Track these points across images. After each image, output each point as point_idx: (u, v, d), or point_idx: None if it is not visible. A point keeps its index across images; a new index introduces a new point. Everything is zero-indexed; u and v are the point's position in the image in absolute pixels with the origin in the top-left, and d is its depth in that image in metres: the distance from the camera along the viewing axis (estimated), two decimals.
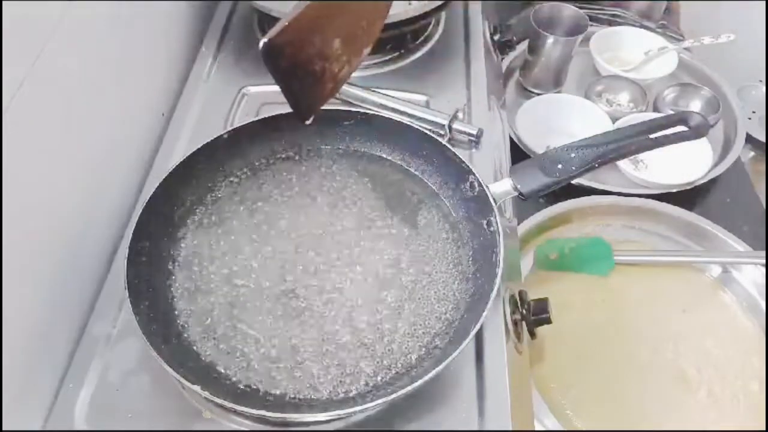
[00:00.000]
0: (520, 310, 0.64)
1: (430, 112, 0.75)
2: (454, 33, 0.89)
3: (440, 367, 0.49)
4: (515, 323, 0.63)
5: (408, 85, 0.81)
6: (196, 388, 0.49)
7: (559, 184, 0.61)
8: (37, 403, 0.55)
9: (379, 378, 0.54)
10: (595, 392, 0.78)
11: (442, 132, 0.73)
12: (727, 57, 1.17)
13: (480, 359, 0.57)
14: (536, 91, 1.13)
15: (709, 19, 1.34)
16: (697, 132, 0.64)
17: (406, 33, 0.84)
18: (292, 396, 0.53)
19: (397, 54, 0.85)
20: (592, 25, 1.12)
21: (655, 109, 1.09)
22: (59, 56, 0.56)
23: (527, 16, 1.09)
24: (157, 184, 0.61)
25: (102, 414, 0.55)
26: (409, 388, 0.49)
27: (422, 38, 0.88)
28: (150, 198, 0.60)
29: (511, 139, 0.96)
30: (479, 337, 0.58)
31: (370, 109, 0.73)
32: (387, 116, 0.70)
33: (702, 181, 0.96)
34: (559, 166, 0.61)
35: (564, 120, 1.05)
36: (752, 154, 1.34)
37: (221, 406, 0.53)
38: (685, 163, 0.97)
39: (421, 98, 0.79)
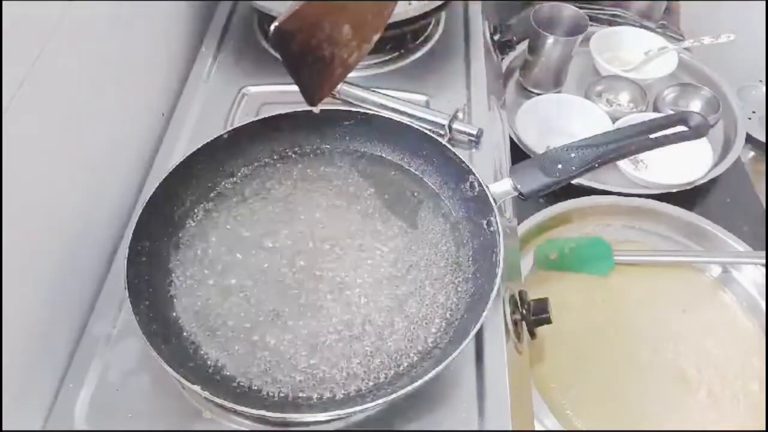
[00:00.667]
0: (520, 310, 0.64)
1: (430, 112, 0.75)
2: (454, 33, 0.89)
3: (440, 367, 0.49)
4: (515, 323, 0.63)
5: (408, 85, 0.81)
6: (196, 388, 0.49)
7: (559, 184, 0.61)
8: (37, 403, 0.55)
9: (379, 378, 0.54)
10: (595, 392, 0.78)
11: (442, 132, 0.73)
12: (727, 57, 1.17)
13: (480, 359, 0.57)
14: (536, 91, 1.13)
15: (709, 19, 1.34)
16: (697, 132, 0.64)
17: (406, 33, 0.84)
18: (292, 396, 0.53)
19: (397, 54, 0.85)
20: (592, 25, 1.12)
21: (655, 109, 1.09)
22: (59, 56, 0.56)
23: (527, 16, 1.09)
24: (157, 184, 0.61)
25: (102, 414, 0.55)
26: (409, 388, 0.49)
27: (422, 38, 0.88)
28: (150, 198, 0.60)
29: (511, 139, 0.96)
30: (479, 337, 0.58)
31: (370, 109, 0.73)
32: (387, 116, 0.70)
33: (702, 181, 0.96)
34: (559, 166, 0.61)
35: (564, 120, 1.05)
36: (752, 154, 1.34)
37: (221, 406, 0.53)
38: (685, 163, 0.97)
39: (421, 98, 0.79)
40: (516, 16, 1.23)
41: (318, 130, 0.70)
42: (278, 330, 0.57)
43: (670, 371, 0.80)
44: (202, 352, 0.56)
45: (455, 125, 0.73)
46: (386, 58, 0.85)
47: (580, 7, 1.11)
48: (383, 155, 0.70)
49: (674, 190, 0.95)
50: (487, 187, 0.61)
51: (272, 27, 0.43)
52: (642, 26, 1.23)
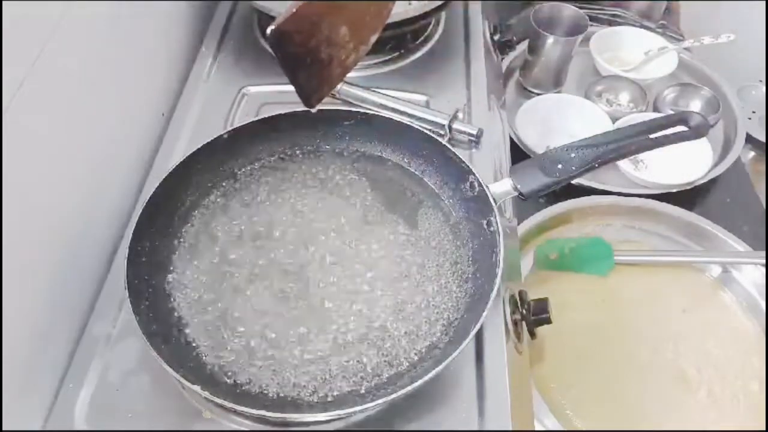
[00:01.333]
0: (520, 310, 0.64)
1: (430, 112, 0.75)
2: (454, 33, 0.89)
3: (440, 367, 0.49)
4: (515, 323, 0.63)
5: (408, 85, 0.81)
6: (196, 388, 0.49)
7: (559, 184, 0.61)
8: (37, 403, 0.55)
9: (379, 378, 0.54)
10: (595, 392, 0.78)
11: (442, 132, 0.73)
12: (727, 57, 1.17)
13: (480, 359, 0.57)
14: (536, 91, 1.13)
15: (709, 19, 1.34)
16: (697, 132, 0.64)
17: (406, 33, 0.84)
18: (292, 396, 0.53)
19: (397, 54, 0.85)
20: (592, 25, 1.12)
21: (655, 109, 1.09)
22: (59, 56, 0.56)
23: (527, 16, 1.09)
24: (157, 184, 0.61)
25: (102, 414, 0.55)
26: (409, 388, 0.49)
27: (422, 38, 0.88)
28: (150, 198, 0.60)
29: (511, 139, 0.96)
30: (479, 337, 0.58)
31: (370, 109, 0.73)
32: (387, 116, 0.70)
33: (702, 181, 0.96)
34: (559, 166, 0.61)
35: (564, 120, 1.05)
36: (752, 154, 1.34)
37: (221, 406, 0.53)
38: (685, 163, 0.97)
39: (421, 98, 0.79)
40: (516, 16, 1.23)
41: (318, 130, 0.70)
42: (278, 330, 0.57)
43: (670, 371, 0.80)
44: (202, 352, 0.56)
45: (455, 125, 0.73)
46: (386, 58, 0.85)
47: (580, 7, 1.11)
48: (383, 155, 0.70)
49: (674, 190, 0.95)
50: (487, 187, 0.61)
51: (269, 29, 0.43)
52: (642, 26, 1.23)
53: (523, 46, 1.13)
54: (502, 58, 1.12)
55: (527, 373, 0.66)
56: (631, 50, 1.18)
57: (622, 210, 0.94)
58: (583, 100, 1.07)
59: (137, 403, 0.56)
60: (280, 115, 0.67)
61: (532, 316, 0.63)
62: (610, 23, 1.24)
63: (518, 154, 0.97)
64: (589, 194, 0.94)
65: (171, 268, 0.61)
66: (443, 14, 0.91)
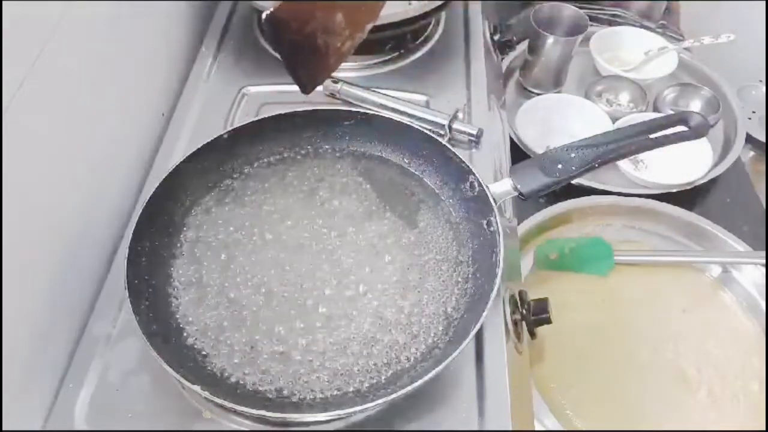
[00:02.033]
0: (520, 310, 0.64)
1: (430, 112, 0.75)
2: (454, 33, 0.89)
3: (440, 367, 0.49)
4: (515, 323, 0.63)
5: (408, 85, 0.81)
6: (196, 388, 0.49)
7: (559, 184, 0.61)
8: (37, 403, 0.55)
9: (379, 378, 0.54)
10: (595, 392, 0.78)
11: (442, 132, 0.73)
12: (727, 57, 1.17)
13: (480, 359, 0.57)
14: (536, 91, 1.13)
15: (709, 19, 1.34)
16: (697, 132, 0.64)
17: (406, 33, 0.84)
18: (292, 396, 0.53)
19: (397, 54, 0.85)
20: (592, 25, 1.12)
21: (655, 109, 1.09)
22: (59, 56, 0.56)
23: (527, 16, 1.09)
24: (157, 184, 0.61)
25: (102, 414, 0.55)
26: (409, 388, 0.49)
27: (422, 38, 0.88)
28: (150, 198, 0.60)
29: (511, 139, 0.96)
30: (479, 337, 0.58)
31: (370, 109, 0.73)
32: (387, 116, 0.70)
33: (702, 181, 0.96)
34: (559, 166, 0.61)
35: (564, 120, 1.05)
36: (752, 154, 1.34)
37: (221, 406, 0.53)
38: (685, 163, 0.97)
39: (421, 98, 0.79)
40: (516, 16, 1.23)
41: (318, 130, 0.70)
42: (278, 330, 0.57)
43: (670, 371, 0.80)
44: (202, 352, 0.56)
45: (455, 125, 0.73)
46: (386, 58, 0.85)
47: (580, 7, 1.11)
48: (383, 155, 0.70)
49: (674, 190, 0.95)
50: (487, 187, 0.61)
51: (264, 14, 0.43)
52: (642, 26, 1.23)
53: (523, 46, 1.13)
54: (502, 58, 1.12)
55: (527, 373, 0.66)
56: (631, 50, 1.18)
57: (622, 210, 0.94)
58: (583, 100, 1.07)
59: (137, 403, 0.56)
60: (280, 115, 0.67)
61: (532, 316, 0.63)
62: (610, 23, 1.24)
63: (518, 154, 0.97)
64: (589, 194, 0.94)
65: (171, 268, 0.61)
66: (443, 14, 0.91)
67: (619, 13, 1.26)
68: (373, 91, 0.77)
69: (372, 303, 0.59)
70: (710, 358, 0.81)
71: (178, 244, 0.62)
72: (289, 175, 0.69)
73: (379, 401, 0.49)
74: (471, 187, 0.63)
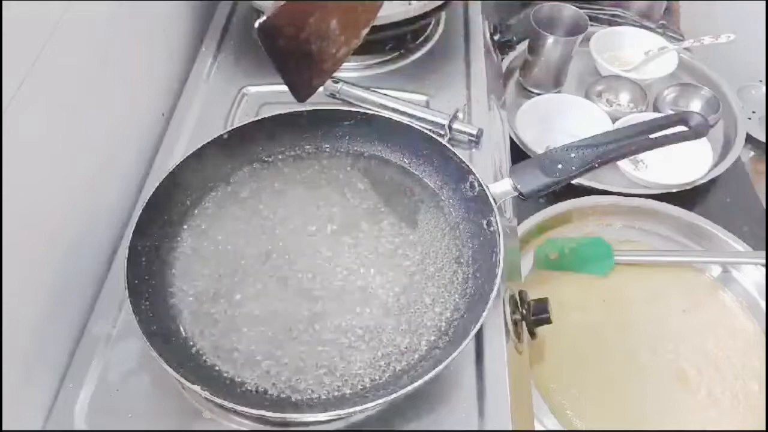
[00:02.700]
0: (520, 310, 0.64)
1: (430, 112, 0.75)
2: (454, 33, 0.89)
3: (440, 367, 0.49)
4: (515, 323, 0.63)
5: (408, 85, 0.81)
6: (196, 388, 0.49)
7: (559, 184, 0.61)
8: (37, 403, 0.55)
9: (379, 378, 0.54)
10: (595, 392, 0.78)
11: (442, 132, 0.73)
12: (727, 57, 1.17)
13: (480, 359, 0.57)
14: (536, 91, 1.13)
15: (709, 19, 1.34)
16: (697, 132, 0.64)
17: (406, 33, 0.84)
18: (292, 396, 0.53)
19: (397, 54, 0.85)
20: (592, 25, 1.12)
21: (655, 109, 1.09)
22: (59, 56, 0.56)
23: (527, 16, 1.09)
24: (157, 184, 0.61)
25: (102, 414, 0.55)
26: (409, 388, 0.49)
27: (422, 38, 0.88)
28: (150, 198, 0.60)
29: (511, 139, 0.96)
30: (479, 337, 0.58)
31: (370, 109, 0.73)
32: (387, 116, 0.70)
33: (702, 181, 0.96)
34: (559, 166, 0.61)
35: (564, 120, 1.05)
36: (752, 154, 1.34)
37: (221, 406, 0.53)
38: (685, 163, 0.97)
39: (421, 98, 0.79)
40: (516, 16, 1.24)
41: (318, 130, 0.70)
42: (278, 330, 0.57)
43: (670, 371, 0.80)
44: (202, 352, 0.56)
45: (455, 125, 0.73)
46: (386, 58, 0.85)
47: (580, 7, 1.11)
48: (383, 155, 0.70)
49: (674, 190, 0.95)
50: (487, 187, 0.61)
51: (257, 23, 0.43)
52: (642, 26, 1.23)
53: (523, 46, 1.13)
54: (502, 58, 1.12)
55: (527, 373, 0.66)
56: (631, 50, 1.18)
57: (622, 210, 0.94)
58: (583, 100, 1.07)
59: (137, 403, 0.56)
60: (280, 115, 0.67)
61: (532, 316, 0.63)
62: (610, 23, 1.24)
63: (518, 154, 0.97)
64: (589, 194, 0.94)
65: (171, 268, 0.61)
66: (443, 14, 0.91)
67: (619, 13, 1.26)
68: (373, 91, 0.77)
69: (372, 303, 0.59)
70: (710, 358, 0.81)
71: (178, 244, 0.62)
72: (289, 175, 0.68)
73: (379, 401, 0.49)
74: (471, 187, 0.63)
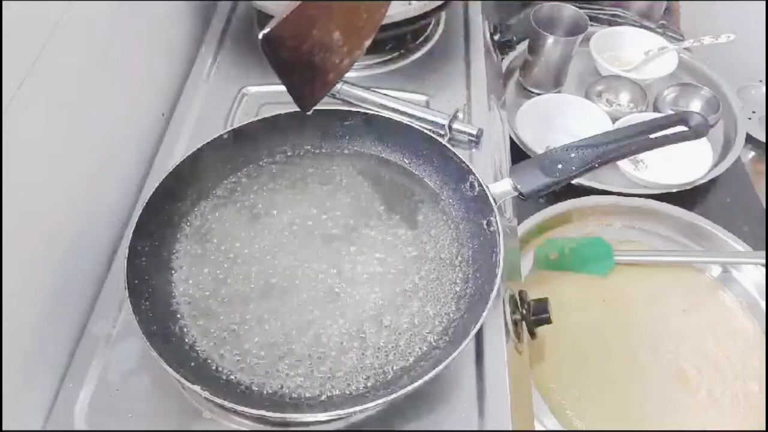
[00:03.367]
0: (520, 310, 0.64)
1: (430, 112, 0.75)
2: (454, 33, 0.89)
3: (440, 367, 0.49)
4: (515, 323, 0.63)
5: (408, 85, 0.81)
6: (196, 388, 0.49)
7: (559, 184, 0.61)
8: (37, 403, 0.55)
9: (379, 378, 0.54)
10: (595, 392, 0.78)
11: (442, 132, 0.73)
12: (727, 57, 1.17)
13: (480, 359, 0.57)
14: (536, 91, 1.13)
15: (709, 19, 1.34)
16: (697, 132, 0.64)
17: (406, 33, 0.84)
18: (292, 396, 0.53)
19: (397, 54, 0.85)
20: (592, 25, 1.12)
21: (655, 109, 1.09)
22: (59, 56, 0.56)
23: (527, 16, 1.09)
24: (157, 184, 0.61)
25: (102, 414, 0.55)
26: (409, 388, 0.49)
27: (422, 38, 0.88)
28: (150, 198, 0.60)
29: (511, 139, 0.96)
30: (479, 337, 0.58)
31: (370, 109, 0.73)
32: (387, 116, 0.70)
33: (702, 181, 0.96)
34: (559, 166, 0.61)
35: (564, 120, 1.05)
36: (752, 154, 1.34)
37: (221, 406, 0.53)
38: (685, 163, 0.97)
39: (421, 98, 0.79)
40: (516, 16, 1.23)
41: (318, 130, 0.70)
42: (278, 330, 0.57)
43: (670, 371, 0.80)
44: (202, 352, 0.56)
45: (455, 125, 0.73)
46: (386, 58, 0.85)
47: (580, 7, 1.11)
48: (383, 155, 0.70)
49: (674, 190, 0.95)
50: (487, 187, 0.61)
51: (260, 34, 0.43)
52: (642, 26, 1.23)
53: (523, 46, 1.13)
54: (502, 58, 1.12)
55: (527, 373, 0.66)
56: (631, 50, 1.18)
57: (622, 210, 0.94)
58: (583, 100, 1.07)
59: (137, 403, 0.56)
60: (280, 115, 0.67)
61: (532, 316, 0.63)
62: (610, 23, 1.24)
63: (518, 154, 0.97)
64: (589, 194, 0.94)
65: (171, 268, 0.61)
66: (443, 14, 0.91)
67: (619, 13, 1.26)
68: (373, 91, 0.77)
69: (372, 303, 0.59)
70: (710, 358, 0.81)
71: (178, 244, 0.62)
72: (289, 175, 0.69)
73: (379, 401, 0.49)
74: (471, 187, 0.63)
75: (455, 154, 0.64)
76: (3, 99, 0.48)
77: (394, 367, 0.55)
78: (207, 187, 0.66)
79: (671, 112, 1.06)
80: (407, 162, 0.69)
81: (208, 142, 0.65)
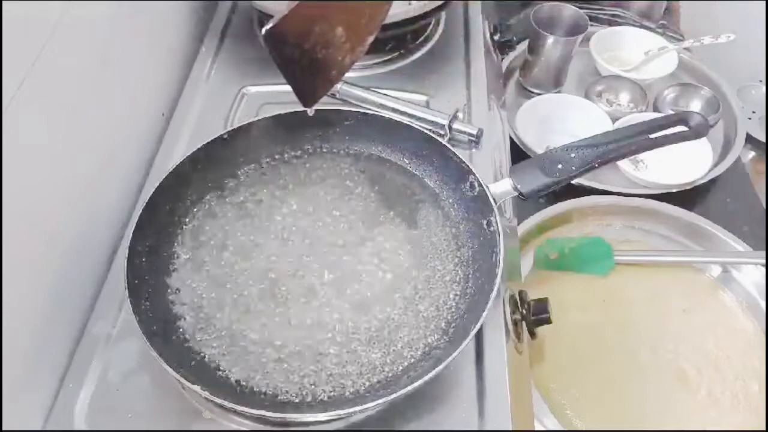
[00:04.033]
0: (520, 310, 0.64)
1: (430, 112, 0.75)
2: (454, 33, 0.89)
3: (440, 367, 0.49)
4: (515, 323, 0.63)
5: (408, 85, 0.81)
6: (196, 388, 0.49)
7: (559, 184, 0.61)
8: (37, 403, 0.55)
9: (378, 378, 0.54)
10: (595, 392, 0.78)
11: (442, 132, 0.73)
12: (727, 57, 1.17)
13: (480, 359, 0.57)
14: (536, 91, 1.13)
15: (709, 19, 1.34)
16: (697, 132, 0.64)
17: (406, 33, 0.84)
18: (292, 396, 0.53)
19: (397, 54, 0.85)
20: (592, 25, 1.12)
21: (655, 109, 1.09)
22: (59, 56, 0.56)
23: (527, 16, 1.09)
24: (157, 184, 0.61)
25: (102, 414, 0.55)
26: (409, 388, 0.49)
27: (422, 38, 0.88)
28: (150, 198, 0.60)
29: (511, 139, 0.96)
30: (479, 337, 0.58)
31: (370, 109, 0.73)
32: (387, 116, 0.70)
33: (702, 181, 0.96)
34: (559, 166, 0.61)
35: (564, 120, 1.05)
36: (752, 154, 1.34)
37: (221, 406, 0.53)
38: (685, 163, 0.97)
39: (421, 98, 0.79)
40: (516, 16, 1.23)
41: (318, 130, 0.70)
42: (278, 330, 0.57)
43: (670, 371, 0.80)
44: (202, 352, 0.56)
45: (455, 125, 0.73)
46: (386, 58, 0.85)
47: (580, 7, 1.11)
48: (383, 155, 0.70)
49: (674, 190, 0.95)
50: (487, 187, 0.61)
51: (263, 30, 0.43)
52: (642, 26, 1.23)
53: (523, 46, 1.13)
54: (502, 58, 1.12)
55: (527, 373, 0.66)
56: (631, 50, 1.18)
57: (622, 210, 0.94)
58: (583, 100, 1.07)
59: (137, 403, 0.56)
60: (280, 115, 0.67)
61: (532, 316, 0.63)
62: (610, 23, 1.24)
63: (518, 154, 0.97)
64: (589, 194, 0.94)
65: (171, 268, 0.61)
66: (443, 14, 0.91)
67: (619, 13, 1.26)
68: (373, 91, 0.77)
69: (372, 303, 0.59)
70: (710, 358, 0.81)
71: (178, 244, 0.62)
72: (289, 175, 0.69)
73: (379, 401, 0.49)
74: (471, 187, 0.63)
75: (455, 154, 0.64)
76: (3, 99, 0.48)
77: (394, 367, 0.55)
78: (207, 188, 0.66)
79: (671, 112, 1.06)
80: (407, 162, 0.69)
81: (208, 142, 0.65)
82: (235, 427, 0.54)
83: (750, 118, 1.38)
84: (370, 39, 0.51)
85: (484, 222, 0.60)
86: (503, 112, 0.86)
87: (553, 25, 1.09)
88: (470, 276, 0.60)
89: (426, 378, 0.49)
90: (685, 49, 1.16)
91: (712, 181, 0.98)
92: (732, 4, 1.43)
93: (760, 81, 1.46)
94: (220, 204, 0.66)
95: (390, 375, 0.55)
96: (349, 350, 0.56)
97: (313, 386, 0.54)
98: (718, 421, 0.76)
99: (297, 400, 0.53)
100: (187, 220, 0.64)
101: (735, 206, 0.98)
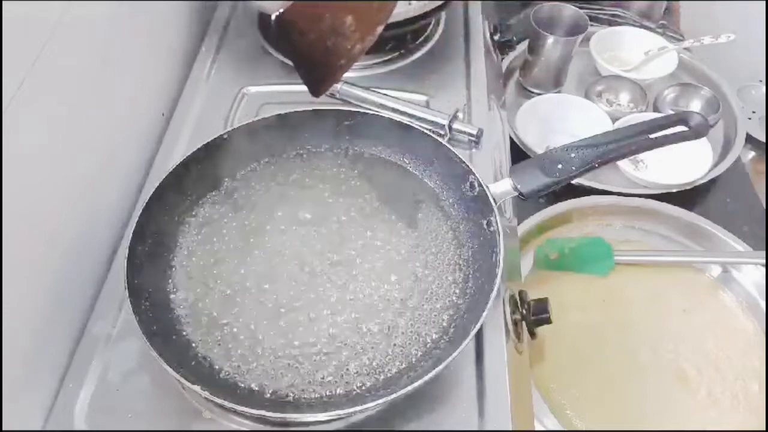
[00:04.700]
0: (520, 310, 0.64)
1: (430, 112, 0.75)
2: (454, 33, 0.89)
3: (440, 367, 0.49)
4: (515, 323, 0.63)
5: (408, 85, 0.81)
6: (196, 388, 0.49)
7: (559, 184, 0.61)
8: (37, 403, 0.55)
9: (379, 378, 0.54)
10: (595, 392, 0.78)
11: (442, 132, 0.73)
12: (727, 57, 1.17)
13: (480, 359, 0.57)
14: (536, 91, 1.13)
15: (709, 19, 1.34)
16: (697, 132, 0.64)
17: (406, 33, 0.84)
18: (292, 396, 0.53)
19: (397, 54, 0.85)
20: (592, 25, 1.12)
21: (655, 109, 1.09)
22: (59, 56, 0.56)
23: (527, 16, 1.09)
24: (157, 184, 0.61)
25: (102, 414, 0.55)
26: (409, 388, 0.49)
27: (422, 38, 0.88)
28: (150, 198, 0.60)
29: (511, 139, 0.96)
30: (479, 337, 0.58)
31: (370, 109, 0.73)
32: (387, 116, 0.70)
33: (702, 181, 0.96)
34: (559, 166, 0.61)
35: (564, 120, 1.05)
36: (752, 154, 1.34)
37: (221, 406, 0.53)
38: (685, 163, 0.97)
39: (421, 98, 0.79)
40: (516, 16, 1.23)
41: (318, 130, 0.70)
42: (278, 330, 0.57)
43: (670, 371, 0.80)
44: (202, 352, 0.56)
45: (455, 125, 0.73)
46: (386, 58, 0.85)
47: (580, 7, 1.11)
48: (383, 155, 0.70)
49: (674, 190, 0.95)
50: (487, 187, 0.61)
51: (273, 16, 0.43)
52: (642, 26, 1.23)
53: (523, 46, 1.13)
54: (502, 58, 1.12)
55: (527, 373, 0.66)
56: (631, 50, 1.18)
57: (622, 210, 0.94)
58: (583, 100, 1.07)
59: (137, 403, 0.56)
60: (279, 115, 0.67)
61: (532, 316, 0.63)
62: (610, 23, 1.24)
63: (518, 154, 0.97)
64: (589, 194, 0.94)
65: (171, 268, 0.61)
66: (443, 14, 0.91)
67: (619, 13, 1.26)
68: (373, 91, 0.77)
69: (372, 303, 0.59)
70: (710, 358, 0.81)
71: (178, 245, 0.62)
72: (289, 175, 0.69)
73: (379, 401, 0.49)
74: (471, 187, 0.63)
75: (455, 154, 0.64)
76: (3, 99, 0.48)
77: (394, 367, 0.55)
78: (207, 187, 0.66)
79: (671, 112, 1.06)
80: (407, 162, 0.69)
81: (207, 142, 0.65)
82: (235, 427, 0.54)
83: (750, 118, 1.39)
84: (380, 28, 0.51)
85: (484, 222, 0.60)
86: (503, 112, 0.86)
87: (553, 25, 1.09)
88: (470, 276, 0.60)
89: (426, 378, 0.49)
90: (685, 49, 1.16)
91: (712, 181, 0.98)
92: (732, 4, 1.43)
93: (760, 81, 1.46)
94: (220, 204, 0.66)
95: (390, 375, 0.55)
96: (349, 350, 0.56)
97: (312, 386, 0.54)
98: (718, 421, 0.76)
99: (297, 400, 0.53)
100: (187, 219, 0.64)
101: (735, 206, 0.98)
